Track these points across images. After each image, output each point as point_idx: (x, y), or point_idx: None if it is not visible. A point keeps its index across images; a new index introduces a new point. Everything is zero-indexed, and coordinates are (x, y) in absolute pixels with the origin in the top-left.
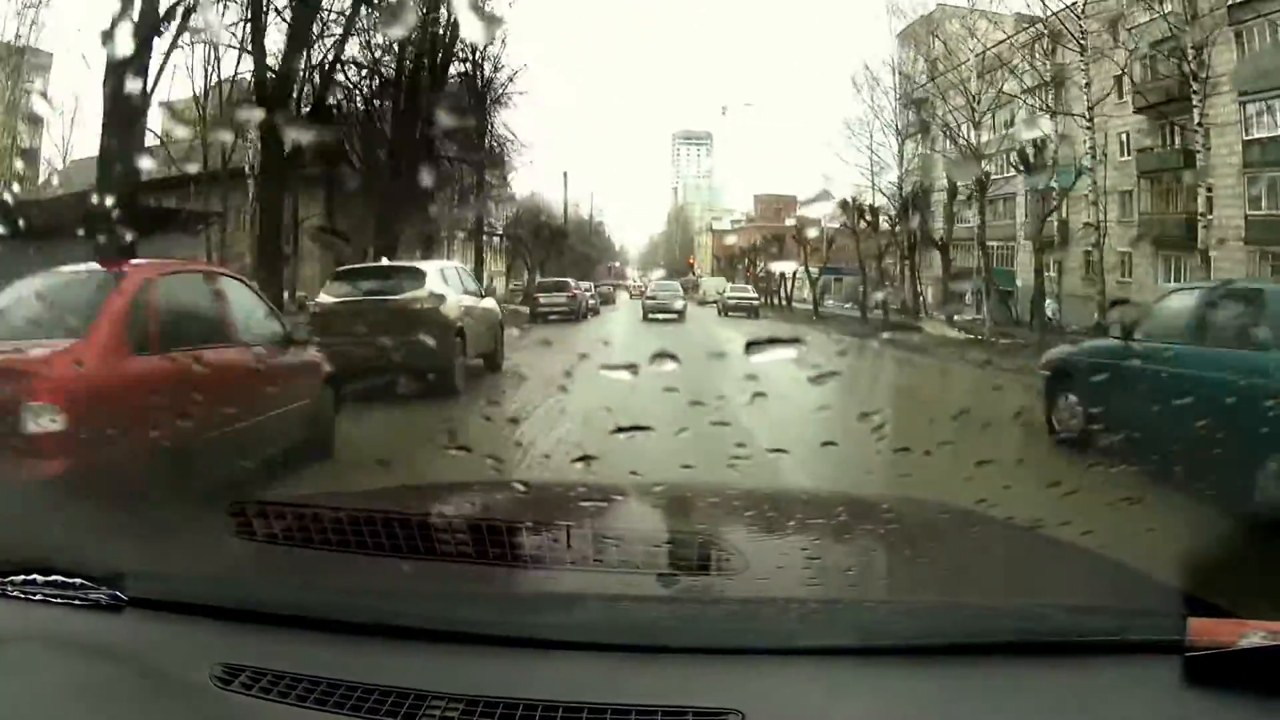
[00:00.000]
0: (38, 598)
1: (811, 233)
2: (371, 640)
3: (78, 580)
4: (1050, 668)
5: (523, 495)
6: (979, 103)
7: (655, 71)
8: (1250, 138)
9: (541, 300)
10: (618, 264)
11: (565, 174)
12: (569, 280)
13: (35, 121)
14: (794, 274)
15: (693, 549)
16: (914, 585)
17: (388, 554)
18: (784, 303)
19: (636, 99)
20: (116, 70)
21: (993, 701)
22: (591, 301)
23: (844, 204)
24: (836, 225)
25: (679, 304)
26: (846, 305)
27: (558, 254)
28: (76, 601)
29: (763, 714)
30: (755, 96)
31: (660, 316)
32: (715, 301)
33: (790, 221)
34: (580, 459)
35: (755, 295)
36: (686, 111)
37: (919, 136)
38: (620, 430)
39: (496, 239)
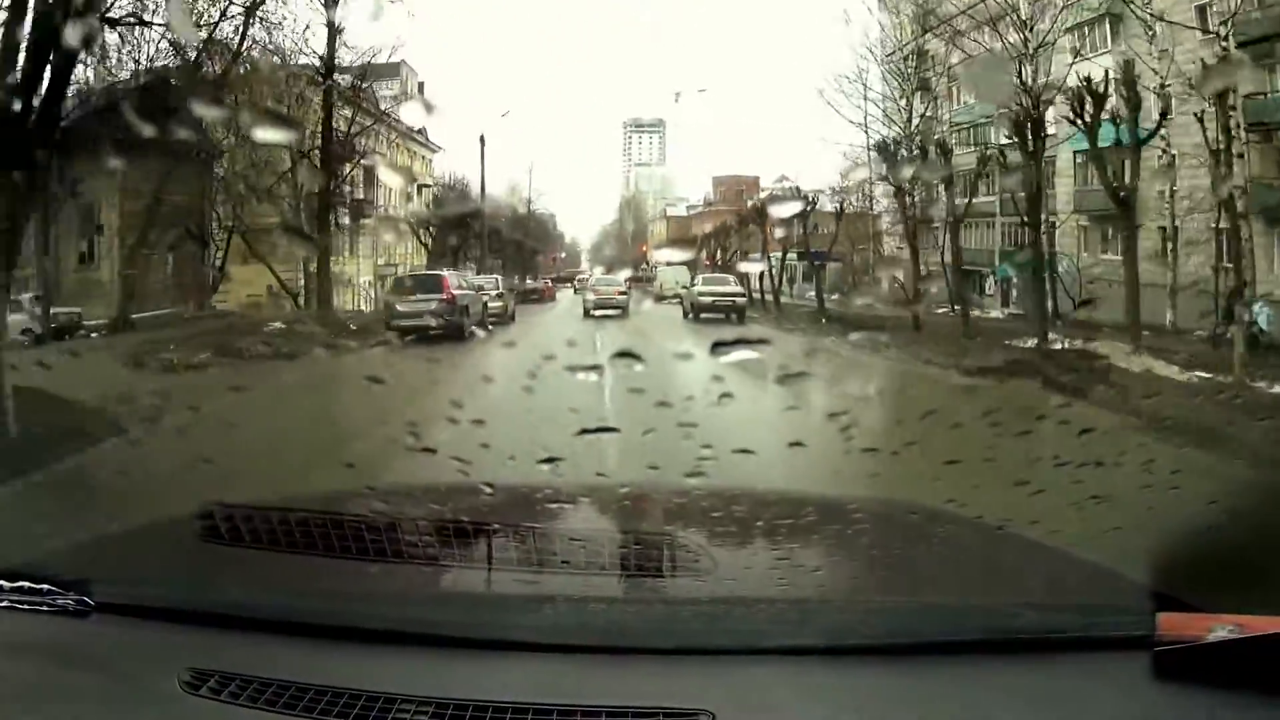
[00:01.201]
0: (4, 604)
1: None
2: (340, 643)
3: (45, 586)
4: (1020, 665)
5: (489, 497)
6: (1031, 31)
7: (605, 58)
8: None
9: (399, 308)
10: (563, 254)
11: (482, 137)
12: (444, 274)
13: None
14: (780, 260)
15: (660, 550)
16: (883, 585)
17: (355, 557)
18: (766, 298)
19: (585, 86)
20: None
21: (962, 700)
22: (496, 304)
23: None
24: (821, 202)
25: (622, 299)
26: (833, 297)
27: (475, 241)
28: (43, 608)
29: (732, 714)
30: (709, 82)
31: (599, 313)
32: (675, 296)
33: (755, 203)
34: (546, 460)
35: (740, 290)
36: (638, 99)
37: (943, 79)
38: (586, 432)
39: (405, 227)
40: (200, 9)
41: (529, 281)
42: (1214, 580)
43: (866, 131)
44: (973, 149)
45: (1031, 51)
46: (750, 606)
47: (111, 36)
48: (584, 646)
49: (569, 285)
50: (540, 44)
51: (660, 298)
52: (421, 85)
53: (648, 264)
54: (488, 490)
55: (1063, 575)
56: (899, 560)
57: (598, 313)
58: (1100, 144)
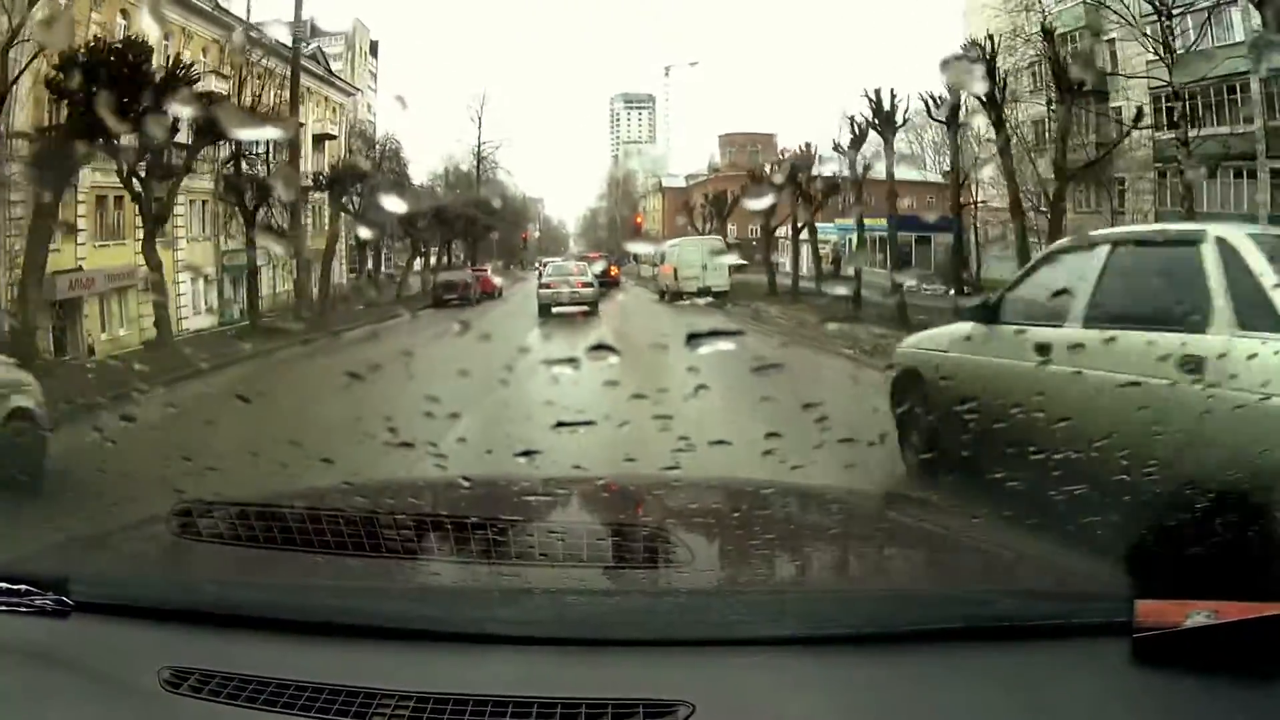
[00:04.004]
0: None
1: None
2: (320, 639)
3: (22, 586)
4: (1000, 653)
5: (467, 490)
6: None
7: (590, 32)
8: None
9: None
10: (537, 233)
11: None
12: None
13: None
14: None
15: (638, 541)
16: (861, 574)
17: (333, 552)
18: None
19: (570, 65)
20: None
21: (942, 688)
22: None
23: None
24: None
25: (587, 292)
26: (936, 290)
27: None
28: (21, 608)
29: (713, 705)
30: (702, 54)
31: (559, 311)
32: (701, 293)
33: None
34: (523, 453)
35: None
36: (626, 76)
37: None
38: (562, 425)
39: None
40: None
41: (450, 272)
42: (1191, 566)
43: None
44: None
45: None
46: (729, 597)
47: None
48: (563, 639)
49: (535, 271)
50: (519, 18)
51: (671, 295)
52: (375, 45)
53: (638, 242)
54: (465, 483)
55: (1040, 562)
56: (877, 550)
57: (557, 310)
58: None
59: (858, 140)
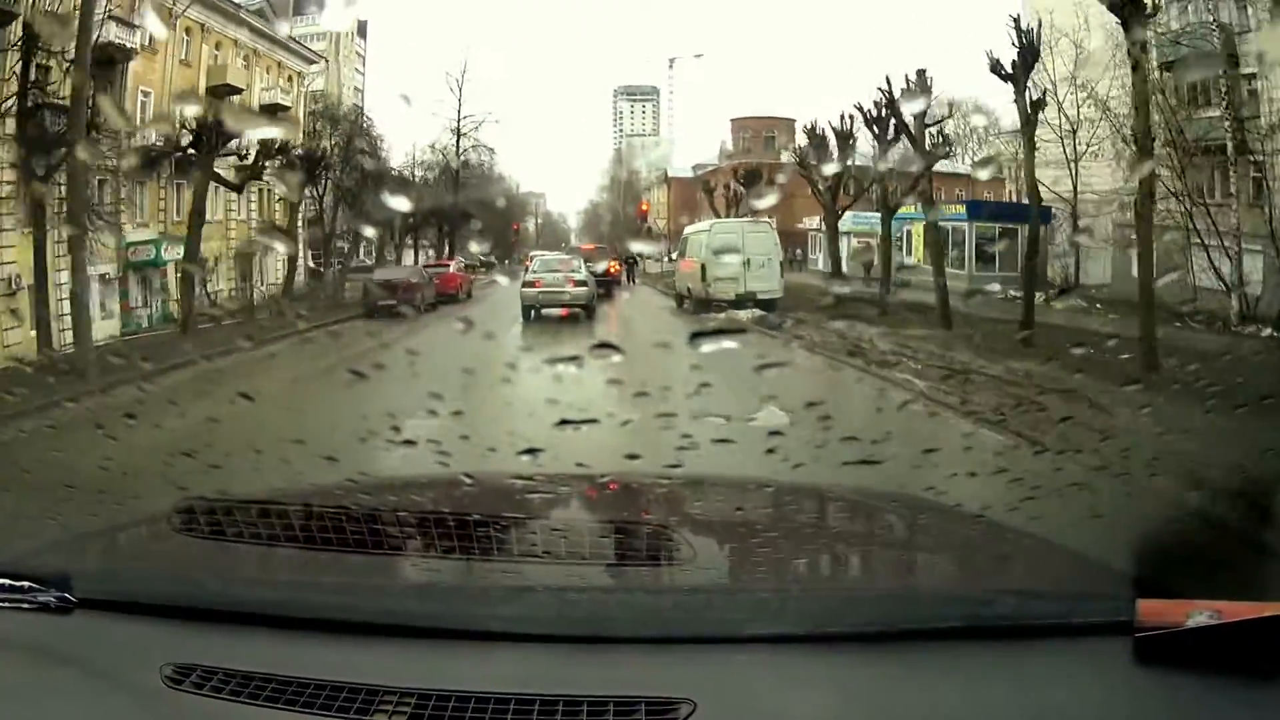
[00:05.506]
0: None
1: None
2: (322, 636)
3: (25, 583)
4: (1002, 652)
5: (469, 488)
6: None
7: (592, 25)
8: None
9: None
10: (530, 226)
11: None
12: None
13: None
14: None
15: (641, 539)
16: (864, 573)
17: (336, 549)
18: None
19: (572, 54)
20: None
21: (944, 687)
22: None
23: None
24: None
25: (581, 292)
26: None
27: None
28: (24, 604)
29: (714, 702)
30: (707, 46)
31: (547, 314)
32: (733, 295)
33: (787, 156)
34: (526, 451)
35: None
36: (629, 67)
37: None
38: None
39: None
40: None
41: (389, 270)
42: (1192, 566)
43: None
44: None
45: None
46: (731, 595)
47: None
48: (565, 636)
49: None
50: (521, 11)
51: (696, 302)
52: (363, 25)
53: (645, 231)
54: (468, 481)
55: (1042, 562)
56: (880, 548)
57: (546, 312)
58: None
59: (1025, 65)
